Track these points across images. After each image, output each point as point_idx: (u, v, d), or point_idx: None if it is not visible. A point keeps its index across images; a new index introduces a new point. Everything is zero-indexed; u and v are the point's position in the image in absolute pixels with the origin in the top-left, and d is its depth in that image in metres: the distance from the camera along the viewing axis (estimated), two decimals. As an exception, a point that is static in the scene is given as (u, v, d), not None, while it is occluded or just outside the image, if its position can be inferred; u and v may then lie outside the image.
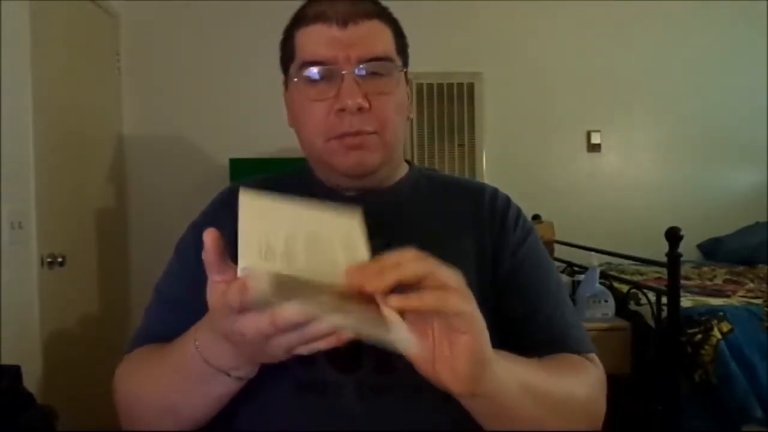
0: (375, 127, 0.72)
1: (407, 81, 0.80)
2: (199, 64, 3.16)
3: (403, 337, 0.48)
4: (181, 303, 0.74)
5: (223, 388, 0.60)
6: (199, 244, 0.78)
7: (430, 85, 3.31)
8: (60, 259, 2.22)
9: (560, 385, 0.65)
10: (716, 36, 3.61)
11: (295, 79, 0.74)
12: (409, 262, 0.48)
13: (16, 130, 2.00)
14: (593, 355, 0.75)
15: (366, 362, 0.68)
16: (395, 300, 0.47)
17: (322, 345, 0.49)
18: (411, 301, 0.47)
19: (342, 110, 0.70)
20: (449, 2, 3.34)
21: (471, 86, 3.33)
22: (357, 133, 0.71)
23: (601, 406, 0.71)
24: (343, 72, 0.70)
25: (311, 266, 0.49)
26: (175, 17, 3.14)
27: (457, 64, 3.33)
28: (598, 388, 0.71)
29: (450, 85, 3.33)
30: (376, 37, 0.73)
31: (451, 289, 0.48)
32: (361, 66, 0.70)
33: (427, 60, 2.93)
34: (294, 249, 0.50)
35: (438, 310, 0.48)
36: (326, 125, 0.72)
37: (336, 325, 0.47)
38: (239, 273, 0.47)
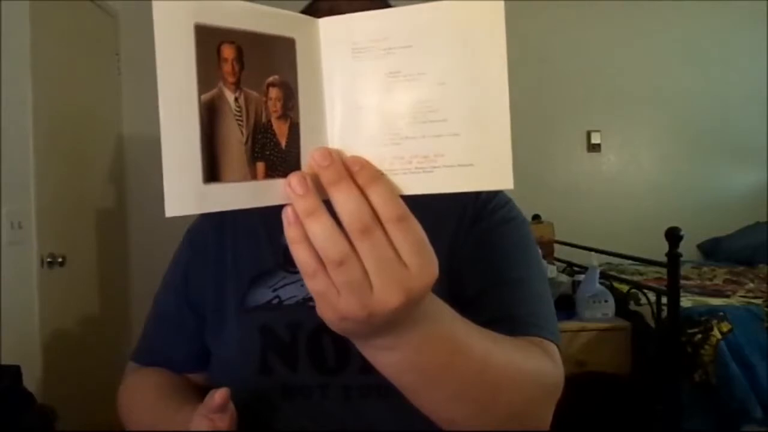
0: None
1: None
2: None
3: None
4: (170, 318, 0.79)
5: None
6: (189, 255, 0.81)
7: (430, 85, 3.30)
8: (60, 259, 2.22)
9: (495, 363, 0.53)
10: (717, 36, 3.61)
11: None
12: (327, 229, 0.39)
13: (16, 130, 2.00)
14: (552, 347, 0.65)
15: (351, 363, 0.68)
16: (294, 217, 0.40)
17: None
18: (289, 232, 0.40)
19: None
20: (449, 2, 3.34)
21: (471, 86, 3.33)
22: None
23: (538, 402, 0.58)
24: None
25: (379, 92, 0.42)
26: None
27: (457, 64, 3.33)
28: (540, 381, 0.59)
29: (450, 85, 3.32)
30: None
31: (333, 292, 0.40)
32: None
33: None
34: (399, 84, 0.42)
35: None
36: None
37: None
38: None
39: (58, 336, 2.21)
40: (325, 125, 0.44)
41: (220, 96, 0.40)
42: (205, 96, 0.39)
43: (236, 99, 0.40)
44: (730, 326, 2.04)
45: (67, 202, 2.39)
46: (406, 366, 0.48)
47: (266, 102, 0.41)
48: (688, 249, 2.85)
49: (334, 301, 0.40)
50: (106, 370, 2.35)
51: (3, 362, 1.76)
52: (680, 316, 2.04)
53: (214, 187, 0.39)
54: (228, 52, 0.40)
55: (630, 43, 3.56)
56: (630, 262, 2.79)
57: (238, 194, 0.40)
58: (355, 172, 0.40)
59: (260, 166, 0.41)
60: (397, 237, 0.40)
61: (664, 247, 2.05)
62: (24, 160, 2.07)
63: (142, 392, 0.77)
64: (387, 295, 0.40)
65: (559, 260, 2.92)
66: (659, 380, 2.07)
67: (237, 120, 0.40)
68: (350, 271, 0.39)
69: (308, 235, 0.39)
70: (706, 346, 2.02)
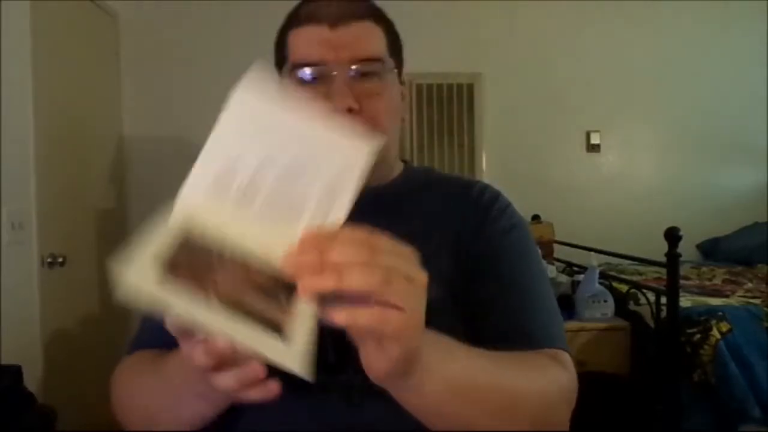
0: (365, 129, 0.71)
1: (401, 82, 0.79)
2: (199, 64, 3.16)
3: (293, 359, 0.42)
4: None
5: (203, 408, 0.61)
6: None
7: (429, 86, 3.31)
8: (60, 259, 2.22)
9: (507, 385, 0.59)
10: (716, 36, 3.61)
11: (287, 81, 0.74)
12: (355, 268, 0.40)
13: (16, 130, 2.01)
14: (564, 356, 0.68)
15: (352, 363, 0.68)
16: (320, 309, 0.43)
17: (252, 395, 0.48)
18: (341, 315, 0.42)
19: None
20: (449, 2, 3.35)
21: (471, 87, 3.34)
22: None
23: (556, 410, 0.63)
24: (334, 73, 0.70)
25: (264, 213, 0.44)
26: (174, 17, 3.14)
27: (456, 65, 3.33)
28: (556, 391, 0.63)
29: (450, 86, 3.33)
30: (368, 38, 0.72)
31: (395, 312, 0.42)
32: (352, 67, 0.70)
33: (427, 60, 2.93)
34: (260, 182, 0.45)
35: (373, 331, 0.43)
36: None
37: (215, 333, 0.42)
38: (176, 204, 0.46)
39: (58, 336, 2.21)
40: (268, 253, 0.45)
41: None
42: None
43: (217, 300, 0.43)
44: (729, 326, 2.04)
45: (67, 202, 2.39)
46: (432, 408, 0.54)
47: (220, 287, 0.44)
48: (687, 249, 2.85)
49: (389, 293, 0.41)
50: (106, 370, 2.33)
51: (3, 362, 1.76)
52: (679, 316, 2.04)
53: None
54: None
55: (630, 43, 3.56)
56: (629, 262, 2.79)
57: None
58: (312, 253, 0.41)
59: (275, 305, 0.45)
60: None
61: (664, 247, 2.05)
62: (24, 160, 2.07)
63: (135, 368, 0.75)
64: (420, 274, 0.44)
65: (558, 260, 2.92)
66: (659, 380, 2.08)
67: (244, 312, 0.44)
68: (389, 258, 0.41)
69: (334, 269, 0.40)
70: (706, 346, 2.02)
